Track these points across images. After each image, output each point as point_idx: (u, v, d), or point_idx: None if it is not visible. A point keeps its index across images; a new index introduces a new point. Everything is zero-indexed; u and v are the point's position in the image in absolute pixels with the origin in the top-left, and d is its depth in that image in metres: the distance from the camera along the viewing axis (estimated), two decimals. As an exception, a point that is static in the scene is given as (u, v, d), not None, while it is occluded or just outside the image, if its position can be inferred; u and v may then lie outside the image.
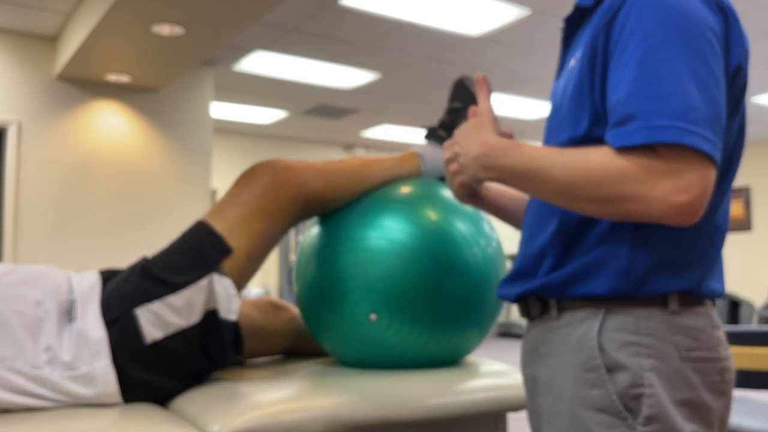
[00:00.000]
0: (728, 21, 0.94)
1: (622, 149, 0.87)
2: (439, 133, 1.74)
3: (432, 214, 1.53)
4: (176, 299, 1.38)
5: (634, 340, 0.94)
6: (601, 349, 0.95)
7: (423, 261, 1.47)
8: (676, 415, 0.93)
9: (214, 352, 1.44)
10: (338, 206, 1.61)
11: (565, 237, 1.00)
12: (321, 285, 1.55)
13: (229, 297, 1.43)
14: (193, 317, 1.40)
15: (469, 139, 1.03)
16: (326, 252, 1.56)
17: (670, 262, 0.95)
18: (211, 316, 1.43)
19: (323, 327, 1.58)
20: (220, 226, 1.46)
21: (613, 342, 0.95)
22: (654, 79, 0.87)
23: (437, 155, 1.72)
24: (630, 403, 0.93)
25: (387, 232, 1.50)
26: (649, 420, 0.92)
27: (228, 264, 1.44)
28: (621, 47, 0.92)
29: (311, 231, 1.66)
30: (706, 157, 0.85)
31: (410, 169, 1.69)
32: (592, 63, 0.97)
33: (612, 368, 0.95)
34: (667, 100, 0.86)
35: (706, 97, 0.87)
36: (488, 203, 1.24)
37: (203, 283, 1.40)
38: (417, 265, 1.47)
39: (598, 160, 0.89)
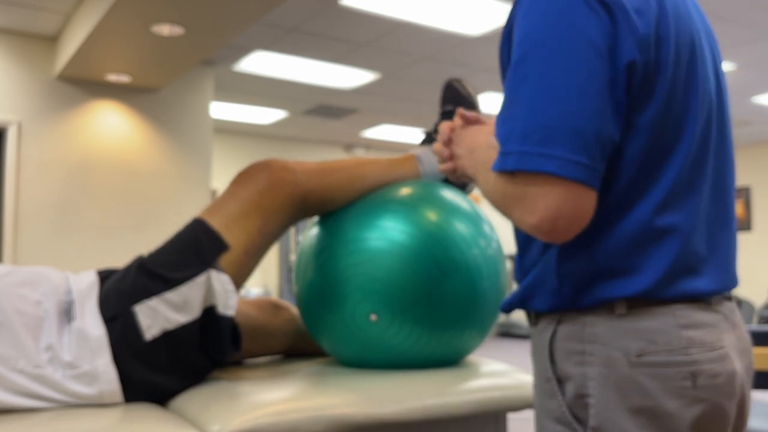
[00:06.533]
0: (614, 18, 0.87)
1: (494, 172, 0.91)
2: (435, 137, 1.74)
3: (431, 215, 1.53)
4: (174, 295, 1.38)
5: (578, 348, 0.92)
6: (552, 361, 0.95)
7: (422, 262, 1.48)
8: (629, 424, 0.88)
9: (212, 348, 1.44)
10: (337, 205, 1.61)
11: (518, 258, 1.04)
12: (320, 286, 1.55)
13: (226, 293, 1.43)
14: (192, 313, 1.40)
15: (465, 146, 1.08)
16: (326, 253, 1.56)
17: (606, 272, 0.91)
18: (209, 313, 1.43)
19: (322, 328, 1.58)
20: (216, 223, 1.47)
21: (561, 352, 0.94)
22: (510, 101, 0.89)
23: (435, 158, 1.72)
24: (579, 413, 0.92)
25: (386, 233, 1.50)
26: (596, 430, 0.90)
27: (225, 260, 1.45)
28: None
29: (310, 232, 1.66)
30: (553, 176, 0.83)
31: (408, 171, 1.69)
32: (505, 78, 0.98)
33: (561, 379, 0.94)
34: (515, 123, 0.87)
35: (560, 111, 0.84)
36: None
37: (201, 279, 1.40)
38: (417, 266, 1.47)
39: (492, 177, 0.93)
